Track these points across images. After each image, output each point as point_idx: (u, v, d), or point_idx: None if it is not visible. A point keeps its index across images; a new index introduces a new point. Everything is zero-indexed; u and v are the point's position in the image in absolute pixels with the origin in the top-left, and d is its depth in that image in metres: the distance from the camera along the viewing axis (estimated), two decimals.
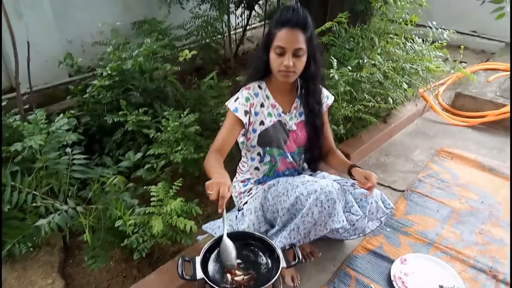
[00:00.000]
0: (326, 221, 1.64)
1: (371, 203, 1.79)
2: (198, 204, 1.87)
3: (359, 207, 1.78)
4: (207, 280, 1.17)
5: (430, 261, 1.94)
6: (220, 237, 1.34)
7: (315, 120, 1.81)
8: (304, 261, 1.94)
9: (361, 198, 1.79)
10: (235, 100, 1.69)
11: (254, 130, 1.73)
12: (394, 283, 1.81)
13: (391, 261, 1.95)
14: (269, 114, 1.74)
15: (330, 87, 2.42)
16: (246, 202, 1.88)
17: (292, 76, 1.63)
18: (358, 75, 2.53)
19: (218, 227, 1.94)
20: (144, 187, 1.72)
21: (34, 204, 1.56)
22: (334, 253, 2.02)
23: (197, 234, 2.04)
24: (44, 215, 1.60)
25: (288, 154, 1.82)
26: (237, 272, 1.24)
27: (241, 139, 1.80)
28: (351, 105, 2.56)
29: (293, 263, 1.26)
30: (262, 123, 1.73)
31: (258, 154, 1.81)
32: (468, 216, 2.30)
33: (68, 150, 1.80)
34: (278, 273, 1.21)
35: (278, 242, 1.73)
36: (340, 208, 1.65)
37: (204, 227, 1.98)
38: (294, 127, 1.81)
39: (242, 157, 1.90)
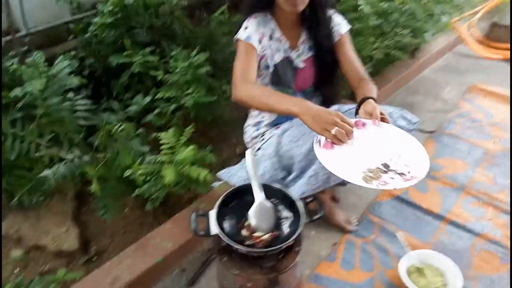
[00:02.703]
0: None
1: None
2: (212, 150, 1.76)
3: None
4: (223, 236, 1.07)
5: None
6: (236, 190, 1.23)
7: (325, 56, 1.62)
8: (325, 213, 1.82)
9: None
10: (245, 29, 1.51)
11: (267, 66, 1.56)
12: None
13: (417, 207, 1.84)
14: (278, 49, 1.56)
15: (357, 21, 2.17)
16: (259, 148, 1.75)
17: (301, 5, 1.43)
18: (389, 5, 2.25)
19: (233, 174, 1.84)
20: (154, 134, 1.60)
21: (38, 154, 1.46)
22: (355, 200, 1.92)
23: (212, 181, 1.95)
24: (50, 165, 1.51)
25: (298, 94, 1.66)
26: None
27: None
28: (378, 41, 2.30)
29: (315, 217, 1.14)
30: (272, 58, 1.55)
31: None
32: (502, 158, 2.14)
33: (71, 95, 1.67)
34: (300, 229, 1.10)
35: (296, 190, 1.62)
36: None
37: (219, 174, 1.89)
38: (302, 65, 1.63)
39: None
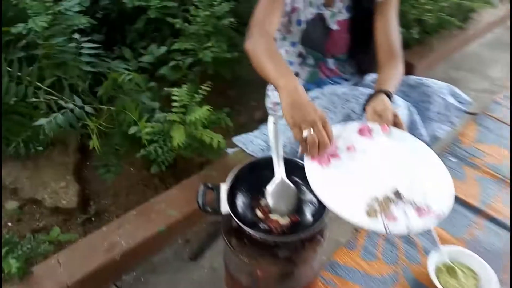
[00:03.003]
0: None
1: (437, 101, 1.39)
2: (229, 113, 1.57)
3: (419, 110, 1.40)
4: (235, 218, 0.90)
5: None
6: (253, 163, 1.05)
7: (363, 20, 1.37)
8: None
9: (422, 99, 1.40)
10: None
11: (299, 22, 1.33)
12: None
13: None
14: (311, 3, 1.32)
15: None
16: (282, 115, 1.56)
17: None
18: None
19: (250, 141, 1.66)
20: (165, 89, 1.42)
21: (34, 99, 1.30)
22: None
23: (226, 147, 1.78)
24: (49, 112, 1.35)
25: (329, 60, 1.44)
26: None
27: (277, 34, 1.42)
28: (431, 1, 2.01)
29: None
30: (304, 12, 1.32)
31: (300, 55, 1.44)
32: None
33: (77, 35, 1.48)
34: (325, 217, 0.92)
35: None
36: None
37: (235, 139, 1.71)
38: (336, 26, 1.39)
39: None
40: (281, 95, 0.99)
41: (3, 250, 1.18)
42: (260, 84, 1.92)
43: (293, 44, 1.40)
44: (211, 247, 1.44)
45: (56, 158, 1.68)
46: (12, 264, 1.14)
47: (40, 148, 1.47)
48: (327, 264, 1.41)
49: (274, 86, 1.05)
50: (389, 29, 1.36)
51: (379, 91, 1.14)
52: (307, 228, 0.93)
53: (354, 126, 1.03)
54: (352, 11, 1.38)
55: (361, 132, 1.01)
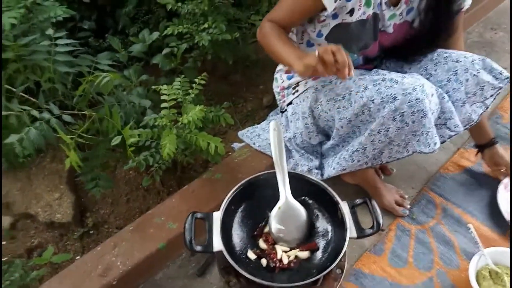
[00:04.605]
0: (408, 141, 1.12)
1: (467, 80, 1.17)
2: (233, 103, 1.36)
3: (446, 92, 1.19)
4: (229, 258, 0.73)
5: None
6: (253, 182, 0.87)
7: (434, 28, 1.17)
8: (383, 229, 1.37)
9: (448, 78, 1.19)
10: None
11: (335, 16, 1.10)
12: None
13: (495, 186, 1.41)
14: (368, 3, 1.08)
15: None
16: (291, 102, 1.36)
17: None
18: None
19: (258, 136, 1.47)
20: (153, 87, 1.23)
21: (5, 112, 1.14)
22: (412, 170, 1.52)
23: (233, 141, 1.60)
24: (25, 124, 1.19)
25: (360, 58, 1.23)
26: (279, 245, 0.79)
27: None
28: None
29: (369, 231, 0.77)
30: (352, 12, 1.08)
31: (320, 45, 1.22)
32: None
33: (50, 31, 1.29)
34: (344, 248, 0.74)
35: (335, 164, 1.26)
36: (432, 124, 1.09)
37: (240, 134, 1.53)
38: (391, 29, 1.17)
39: (291, 34, 1.30)
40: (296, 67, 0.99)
41: None
42: (267, 64, 1.70)
43: (318, 35, 1.18)
44: None
45: (48, 166, 1.55)
46: None
47: (23, 160, 1.32)
48: (350, 274, 1.25)
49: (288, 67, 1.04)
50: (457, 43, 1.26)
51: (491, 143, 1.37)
52: (320, 262, 0.75)
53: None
54: (416, 14, 1.16)
55: None
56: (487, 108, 1.23)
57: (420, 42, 1.21)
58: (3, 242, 1.41)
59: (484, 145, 1.38)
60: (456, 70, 1.17)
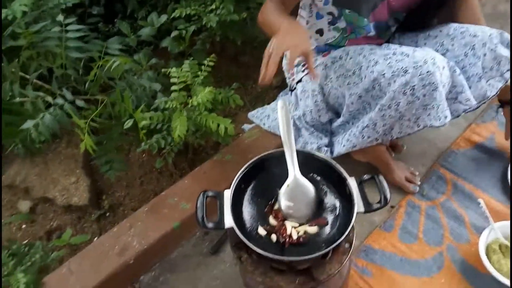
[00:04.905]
0: (419, 116, 1.11)
1: (484, 54, 1.14)
2: (243, 84, 1.37)
3: (463, 67, 1.17)
4: (240, 234, 0.75)
5: None
6: (262, 161, 0.88)
7: None
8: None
9: (465, 53, 1.17)
10: None
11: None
12: None
13: (506, 161, 1.41)
14: None
15: None
16: (300, 80, 1.36)
17: None
18: None
19: (267, 116, 1.48)
20: (163, 70, 1.24)
21: (19, 99, 1.17)
22: (423, 147, 1.51)
23: (243, 122, 1.61)
24: (40, 110, 1.22)
25: (371, 26, 1.20)
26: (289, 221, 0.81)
27: None
28: None
29: (376, 205, 0.79)
30: None
31: (330, 13, 1.20)
32: None
33: (60, 18, 1.31)
34: (352, 223, 0.76)
35: (345, 141, 1.26)
36: (443, 97, 1.08)
37: (250, 115, 1.54)
38: None
39: (300, 9, 1.29)
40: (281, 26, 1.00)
41: (10, 264, 1.12)
42: None
43: (325, 3, 1.17)
44: None
45: (64, 151, 1.59)
46: (20, 279, 1.07)
47: (39, 146, 1.36)
48: (360, 250, 1.27)
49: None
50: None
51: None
52: (328, 236, 0.77)
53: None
54: None
55: None
56: (506, 81, 1.20)
57: (430, 3, 1.18)
58: (23, 226, 1.47)
59: (507, 102, 1.31)
60: (474, 45, 1.15)
